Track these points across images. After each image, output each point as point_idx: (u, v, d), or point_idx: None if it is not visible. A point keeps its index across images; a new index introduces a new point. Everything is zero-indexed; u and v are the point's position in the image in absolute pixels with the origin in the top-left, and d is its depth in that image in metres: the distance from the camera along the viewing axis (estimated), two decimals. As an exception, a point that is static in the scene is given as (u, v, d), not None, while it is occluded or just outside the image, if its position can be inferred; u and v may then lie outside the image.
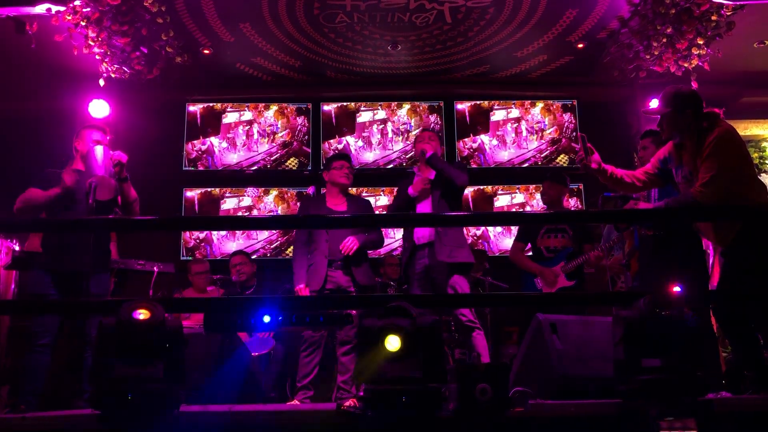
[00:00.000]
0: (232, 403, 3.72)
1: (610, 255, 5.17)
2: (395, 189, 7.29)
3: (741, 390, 3.73)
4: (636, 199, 4.37)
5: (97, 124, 4.58)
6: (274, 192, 7.31)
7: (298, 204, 7.27)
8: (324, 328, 4.62)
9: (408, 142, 7.44)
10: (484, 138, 7.47)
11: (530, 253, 5.57)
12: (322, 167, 5.27)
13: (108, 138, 4.42)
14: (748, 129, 7.17)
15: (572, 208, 7.24)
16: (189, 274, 6.10)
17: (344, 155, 5.36)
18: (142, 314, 2.56)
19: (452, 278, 4.53)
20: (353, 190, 7.33)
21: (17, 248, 5.34)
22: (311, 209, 4.95)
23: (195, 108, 7.47)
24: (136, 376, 2.53)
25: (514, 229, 6.25)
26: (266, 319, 3.05)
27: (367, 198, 7.26)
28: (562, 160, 7.44)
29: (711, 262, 5.33)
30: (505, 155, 7.44)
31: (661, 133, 3.81)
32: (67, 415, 2.79)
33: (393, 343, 2.59)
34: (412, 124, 7.51)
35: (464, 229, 4.84)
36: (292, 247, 7.13)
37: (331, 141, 7.44)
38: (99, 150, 4.11)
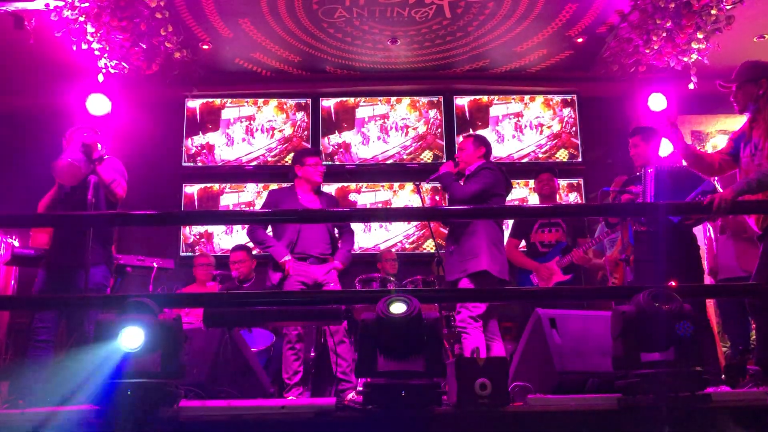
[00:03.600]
0: (232, 399, 3.73)
1: (601, 254, 5.18)
2: (394, 184, 7.35)
3: (740, 384, 3.75)
4: (635, 194, 4.38)
5: (84, 126, 4.58)
6: (274, 187, 7.29)
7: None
8: (318, 324, 4.64)
9: (407, 137, 7.43)
10: (483, 133, 7.45)
11: (524, 249, 5.60)
12: (292, 161, 5.19)
13: (98, 135, 4.42)
14: (749, 123, 7.16)
15: (571, 203, 7.25)
16: (194, 268, 6.13)
17: (318, 152, 5.32)
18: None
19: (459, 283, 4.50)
20: (353, 186, 7.36)
21: (17, 244, 5.34)
22: (283, 204, 4.87)
23: (194, 104, 7.47)
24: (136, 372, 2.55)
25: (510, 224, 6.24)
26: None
27: (365, 193, 7.29)
28: (562, 155, 7.43)
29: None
30: (504, 150, 7.43)
31: (735, 105, 3.82)
32: (66, 410, 2.79)
33: (398, 308, 2.62)
34: (412, 119, 7.51)
35: (486, 234, 4.54)
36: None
37: (331, 136, 7.43)
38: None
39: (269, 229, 5.03)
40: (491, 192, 4.62)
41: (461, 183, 4.71)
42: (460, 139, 7.34)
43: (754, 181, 3.47)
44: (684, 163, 4.15)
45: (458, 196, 4.58)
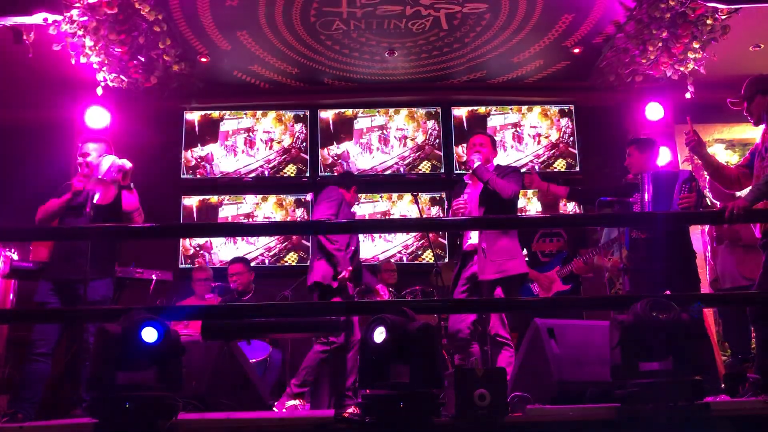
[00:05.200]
0: (231, 411, 3.73)
1: (609, 256, 5.19)
2: (393, 195, 7.36)
3: (740, 393, 3.74)
4: (632, 203, 4.40)
5: (99, 137, 4.58)
6: (272, 199, 7.31)
7: (295, 211, 7.31)
8: (322, 334, 4.63)
9: (405, 148, 7.45)
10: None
11: (526, 258, 5.59)
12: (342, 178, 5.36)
13: (110, 148, 4.44)
14: (744, 132, 7.18)
15: (569, 212, 7.25)
16: (192, 282, 6.13)
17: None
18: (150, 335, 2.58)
19: (495, 291, 4.36)
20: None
21: (16, 257, 5.34)
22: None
23: (193, 116, 7.48)
24: (134, 385, 2.54)
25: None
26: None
27: (364, 204, 7.32)
28: (560, 164, 7.45)
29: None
30: (502, 160, 7.43)
31: (750, 119, 3.90)
32: (65, 424, 2.79)
33: (379, 335, 2.62)
34: (410, 129, 7.53)
35: (516, 236, 4.54)
36: (291, 254, 7.18)
37: (329, 147, 7.45)
38: (106, 158, 4.15)
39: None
40: (517, 195, 4.60)
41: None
42: (460, 147, 7.37)
43: (762, 185, 3.51)
44: (705, 174, 4.21)
45: (509, 193, 4.42)
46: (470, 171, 4.53)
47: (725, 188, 4.10)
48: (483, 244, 4.40)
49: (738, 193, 4.15)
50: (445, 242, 7.23)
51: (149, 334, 2.58)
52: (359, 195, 6.68)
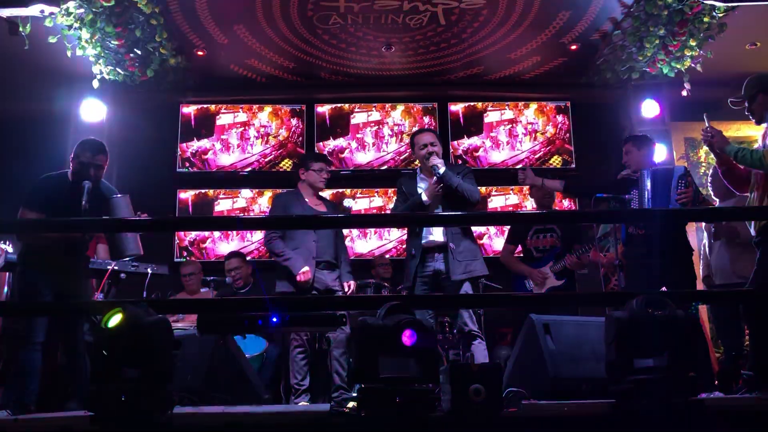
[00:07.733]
0: (226, 405, 3.73)
1: (604, 252, 5.21)
2: (389, 190, 7.35)
3: (734, 390, 3.76)
4: (629, 200, 4.42)
5: (96, 145, 4.38)
6: (268, 193, 7.30)
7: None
8: (317, 329, 4.63)
9: (402, 143, 7.44)
10: (477, 139, 7.48)
11: (521, 255, 5.61)
12: (297, 164, 5.18)
13: (106, 158, 4.31)
14: (740, 130, 7.19)
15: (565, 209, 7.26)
16: (180, 277, 6.10)
17: (324, 157, 5.26)
18: (115, 320, 2.57)
19: (461, 289, 4.40)
20: (347, 191, 7.37)
21: (11, 249, 5.32)
22: (291, 207, 4.83)
23: (189, 109, 7.46)
24: (131, 378, 2.54)
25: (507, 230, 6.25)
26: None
27: (360, 199, 7.31)
28: (556, 161, 7.46)
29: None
30: (498, 156, 7.45)
31: (752, 118, 3.89)
32: (61, 416, 2.79)
33: (409, 338, 2.61)
34: (406, 125, 7.52)
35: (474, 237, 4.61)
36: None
37: (326, 142, 7.44)
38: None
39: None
40: None
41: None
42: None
43: (748, 152, 3.54)
44: (700, 172, 4.23)
45: (478, 197, 4.56)
46: (437, 175, 4.46)
47: (736, 189, 4.08)
48: (451, 245, 4.41)
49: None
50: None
51: (113, 322, 2.58)
52: (356, 190, 6.68)
